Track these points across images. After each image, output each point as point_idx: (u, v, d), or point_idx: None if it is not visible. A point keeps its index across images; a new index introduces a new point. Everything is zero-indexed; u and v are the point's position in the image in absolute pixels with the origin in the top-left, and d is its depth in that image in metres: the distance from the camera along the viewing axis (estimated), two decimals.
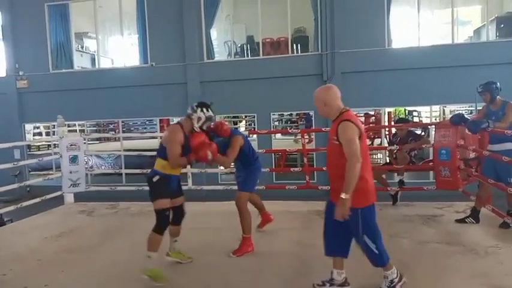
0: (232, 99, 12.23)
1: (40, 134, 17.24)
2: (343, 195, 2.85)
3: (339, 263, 3.24)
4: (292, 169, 6.90)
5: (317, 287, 3.28)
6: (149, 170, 3.90)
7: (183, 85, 12.51)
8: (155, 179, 3.68)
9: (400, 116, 13.40)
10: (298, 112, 13.75)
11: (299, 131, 6.83)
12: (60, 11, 13.41)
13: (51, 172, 13.56)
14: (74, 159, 6.40)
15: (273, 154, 11.75)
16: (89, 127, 14.45)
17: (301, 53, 12.58)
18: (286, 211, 5.99)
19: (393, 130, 7.69)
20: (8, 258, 4.39)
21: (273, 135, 12.48)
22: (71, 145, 6.41)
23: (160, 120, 14.85)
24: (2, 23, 13.99)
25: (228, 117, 14.48)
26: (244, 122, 17.72)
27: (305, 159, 6.31)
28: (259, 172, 4.57)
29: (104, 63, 14.69)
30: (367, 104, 12.40)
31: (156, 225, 3.62)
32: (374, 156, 16.10)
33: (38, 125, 15.48)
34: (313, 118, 12.39)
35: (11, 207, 5.87)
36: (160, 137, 4.88)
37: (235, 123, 17.80)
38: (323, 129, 6.60)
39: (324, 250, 3.27)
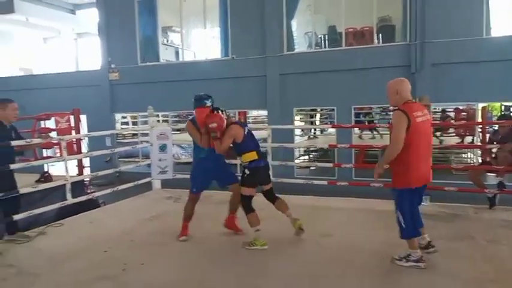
0: (312, 91, 12.04)
1: (127, 123, 18.50)
2: (379, 162, 3.58)
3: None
4: (343, 165, 6.57)
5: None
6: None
7: (262, 78, 12.56)
8: None
9: (501, 112, 12.25)
10: (379, 106, 13.17)
11: (387, 125, 6.46)
12: (149, 6, 14.15)
13: (137, 159, 14.51)
14: (163, 148, 6.71)
15: (352, 150, 11.38)
16: (171, 118, 15.17)
17: (386, 43, 11.98)
18: (371, 210, 5.77)
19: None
20: (107, 237, 4.74)
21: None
22: (161, 134, 6.71)
23: (238, 112, 15.10)
24: (98, 20, 15.13)
25: (301, 110, 14.28)
26: (318, 115, 17.46)
27: (362, 156, 5.97)
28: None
29: (187, 56, 15.26)
30: (459, 98, 11.45)
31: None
32: (463, 155, 14.98)
33: (125, 115, 16.59)
34: None
35: (108, 190, 6.30)
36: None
37: (312, 116, 17.61)
38: None
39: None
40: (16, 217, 4.67)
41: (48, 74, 16.72)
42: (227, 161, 4.84)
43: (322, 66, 11.76)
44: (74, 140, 8.06)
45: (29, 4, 16.92)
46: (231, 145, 4.30)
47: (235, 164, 5.05)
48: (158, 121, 14.63)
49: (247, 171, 4.21)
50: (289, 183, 6.97)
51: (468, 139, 14.38)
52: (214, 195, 6.60)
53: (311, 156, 16.29)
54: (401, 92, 3.47)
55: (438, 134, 14.03)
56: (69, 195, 5.34)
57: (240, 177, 4.32)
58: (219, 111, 4.30)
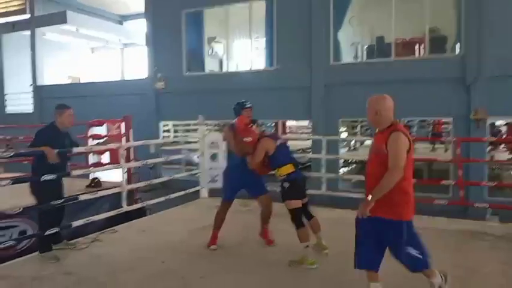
0: (358, 102, 11.56)
1: (168, 131, 18.72)
2: (369, 197, 2.92)
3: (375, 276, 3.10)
4: (442, 182, 6.23)
5: None
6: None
7: (306, 88, 12.37)
8: None
9: None
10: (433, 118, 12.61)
11: (454, 138, 6.13)
12: (195, 17, 14.34)
13: (176, 166, 14.65)
14: (214, 157, 6.65)
15: None
16: (213, 127, 15.20)
17: (435, 54, 11.51)
18: (432, 228, 5.44)
19: None
20: (163, 247, 4.69)
21: None
22: (212, 143, 6.67)
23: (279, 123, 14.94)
24: (146, 31, 15.48)
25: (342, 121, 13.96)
26: (359, 126, 17.06)
27: (459, 172, 5.64)
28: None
29: (230, 67, 15.30)
30: None
31: None
32: None
33: (167, 123, 16.76)
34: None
35: (162, 199, 6.25)
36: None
37: (353, 127, 17.21)
38: (485, 138, 5.80)
39: (356, 263, 3.11)
40: (75, 223, 4.71)
41: (96, 83, 17.24)
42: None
43: (370, 77, 11.40)
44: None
45: (80, 15, 17.60)
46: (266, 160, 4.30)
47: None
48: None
49: (286, 184, 4.12)
50: (337, 197, 6.77)
51: None
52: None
53: (350, 168, 15.90)
54: (381, 111, 3.07)
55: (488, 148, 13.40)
56: (124, 202, 5.34)
57: (280, 193, 4.19)
58: (255, 123, 4.37)
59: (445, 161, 6.17)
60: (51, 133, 4.40)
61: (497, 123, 13.69)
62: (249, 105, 4.58)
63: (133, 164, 5.83)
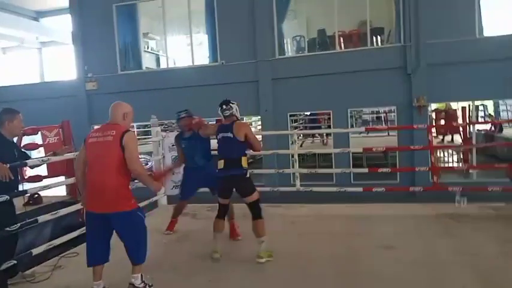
0: (306, 95, 11.71)
1: None
2: None
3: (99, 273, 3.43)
4: (417, 169, 6.30)
5: None
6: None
7: (254, 83, 12.11)
8: (248, 174, 4.10)
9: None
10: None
11: (424, 126, 6.24)
12: (128, 11, 13.34)
13: None
14: (175, 160, 6.09)
15: (350, 154, 11.14)
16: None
17: (376, 45, 11.89)
18: (412, 215, 5.48)
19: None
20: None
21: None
22: (173, 145, 6.11)
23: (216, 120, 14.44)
24: (72, 28, 14.09)
25: (293, 114, 13.93)
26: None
27: (432, 158, 5.73)
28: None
29: (170, 64, 14.53)
30: (454, 97, 11.59)
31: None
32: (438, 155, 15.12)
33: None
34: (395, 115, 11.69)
35: None
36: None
37: (294, 121, 17.32)
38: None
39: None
40: (34, 251, 3.95)
41: (18, 86, 15.33)
42: None
43: (316, 69, 11.48)
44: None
45: None
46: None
47: None
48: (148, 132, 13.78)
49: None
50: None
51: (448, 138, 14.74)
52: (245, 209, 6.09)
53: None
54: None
55: None
56: None
57: None
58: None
59: (418, 149, 6.25)
60: None
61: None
62: (183, 116, 4.86)
63: None
